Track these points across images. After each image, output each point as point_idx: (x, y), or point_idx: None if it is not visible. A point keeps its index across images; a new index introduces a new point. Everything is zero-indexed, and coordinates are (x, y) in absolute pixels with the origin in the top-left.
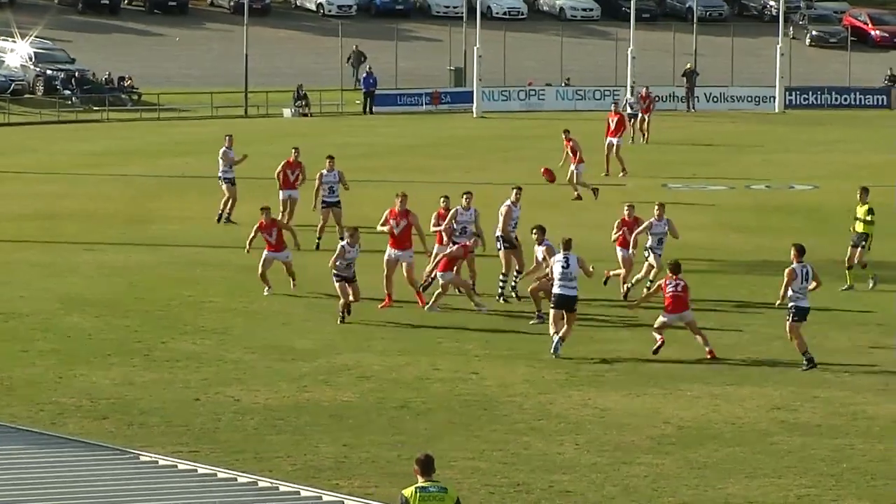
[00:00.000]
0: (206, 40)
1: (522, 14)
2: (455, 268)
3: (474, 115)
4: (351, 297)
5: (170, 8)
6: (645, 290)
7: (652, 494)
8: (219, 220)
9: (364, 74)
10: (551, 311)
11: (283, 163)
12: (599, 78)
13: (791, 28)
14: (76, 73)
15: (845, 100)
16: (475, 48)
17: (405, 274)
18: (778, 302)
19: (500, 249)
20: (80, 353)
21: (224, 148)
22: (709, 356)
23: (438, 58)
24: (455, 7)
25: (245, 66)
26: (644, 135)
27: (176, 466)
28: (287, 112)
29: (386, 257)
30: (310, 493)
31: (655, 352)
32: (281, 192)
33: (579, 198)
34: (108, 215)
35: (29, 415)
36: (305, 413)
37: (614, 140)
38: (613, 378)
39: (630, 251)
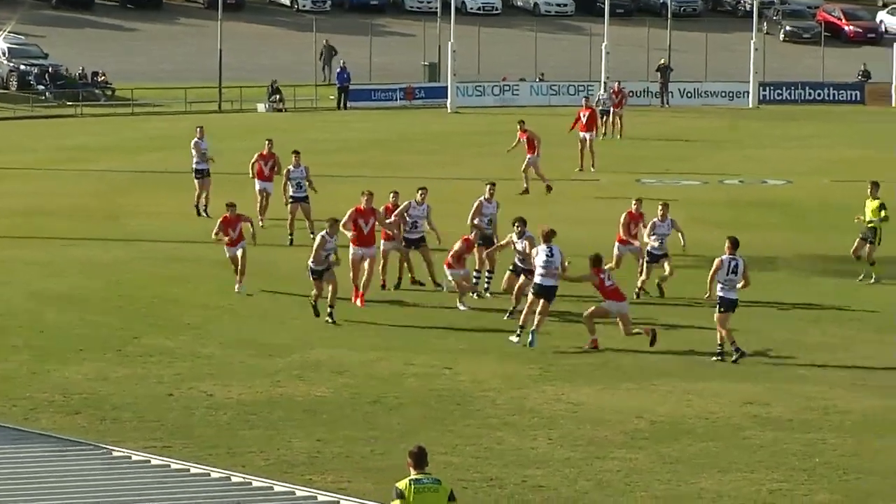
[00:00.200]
0: (179, 35)
1: (497, 9)
2: (462, 260)
3: (448, 111)
4: (330, 293)
5: (143, 3)
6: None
7: (625, 489)
8: (198, 213)
9: (338, 69)
10: (528, 298)
11: (256, 155)
12: (574, 73)
13: (765, 23)
14: (50, 69)
15: (819, 95)
16: (449, 43)
17: (366, 268)
18: (706, 294)
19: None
20: (53, 348)
21: (196, 139)
22: (591, 345)
23: (412, 53)
24: (429, 2)
25: (219, 61)
26: (617, 130)
27: (149, 461)
28: (261, 107)
29: (351, 256)
30: (283, 489)
31: (593, 347)
32: (256, 183)
33: (526, 191)
34: (82, 211)
35: (2, 410)
36: (279, 408)
37: (587, 135)
38: (587, 373)
39: (636, 246)
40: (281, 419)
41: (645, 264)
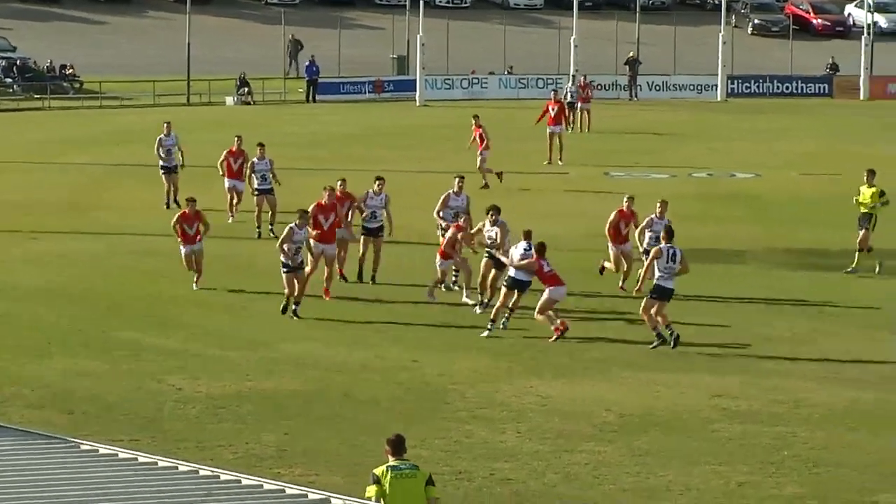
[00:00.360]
0: (148, 28)
1: (465, 2)
2: (457, 248)
3: (417, 104)
4: (298, 290)
5: None
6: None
7: (593, 482)
8: (168, 206)
9: (307, 63)
10: (502, 291)
11: (225, 152)
12: (542, 66)
13: (733, 17)
14: (18, 62)
15: (787, 88)
16: (418, 36)
17: (326, 264)
18: (639, 284)
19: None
20: (22, 342)
21: (161, 135)
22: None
23: (381, 46)
24: None
25: (187, 55)
26: (584, 123)
27: (117, 455)
28: (230, 100)
29: (313, 251)
30: (251, 482)
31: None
32: (226, 181)
33: (486, 186)
34: (50, 204)
35: None
36: (247, 402)
37: (557, 128)
38: (556, 366)
39: (628, 246)
40: (249, 413)
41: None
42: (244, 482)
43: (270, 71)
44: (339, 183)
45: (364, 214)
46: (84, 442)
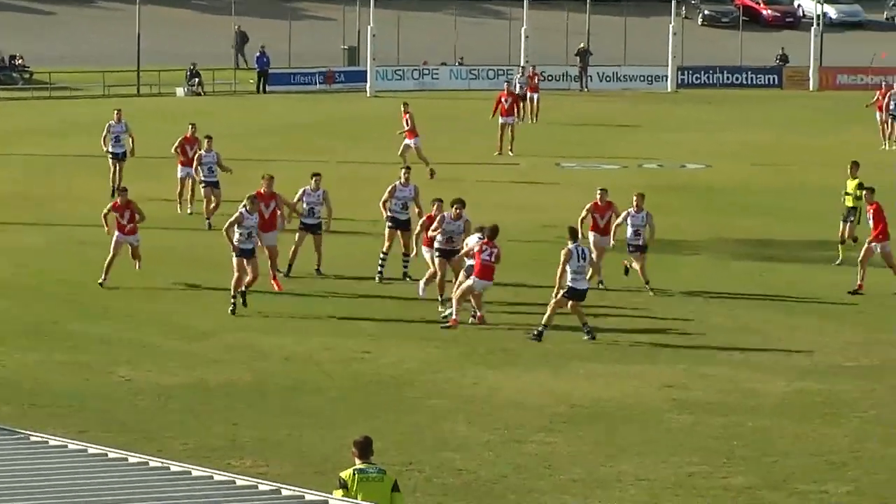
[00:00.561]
0: (98, 19)
1: None
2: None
3: (368, 95)
4: (249, 276)
5: None
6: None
7: (544, 472)
8: (113, 195)
9: (257, 54)
10: (461, 276)
11: (179, 139)
12: (493, 57)
13: (683, 8)
14: None
15: (737, 79)
16: (369, 27)
17: (269, 255)
18: (556, 287)
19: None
20: None
21: (111, 122)
22: (472, 320)
23: (332, 37)
24: None
25: (137, 45)
26: (533, 114)
27: (66, 447)
28: (180, 91)
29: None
30: (201, 473)
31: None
32: (179, 169)
33: (432, 172)
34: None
35: None
36: (197, 393)
37: (510, 119)
38: (506, 357)
39: (609, 240)
40: (199, 404)
41: (632, 256)
42: (194, 473)
43: (221, 62)
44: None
45: (302, 210)
46: (33, 433)
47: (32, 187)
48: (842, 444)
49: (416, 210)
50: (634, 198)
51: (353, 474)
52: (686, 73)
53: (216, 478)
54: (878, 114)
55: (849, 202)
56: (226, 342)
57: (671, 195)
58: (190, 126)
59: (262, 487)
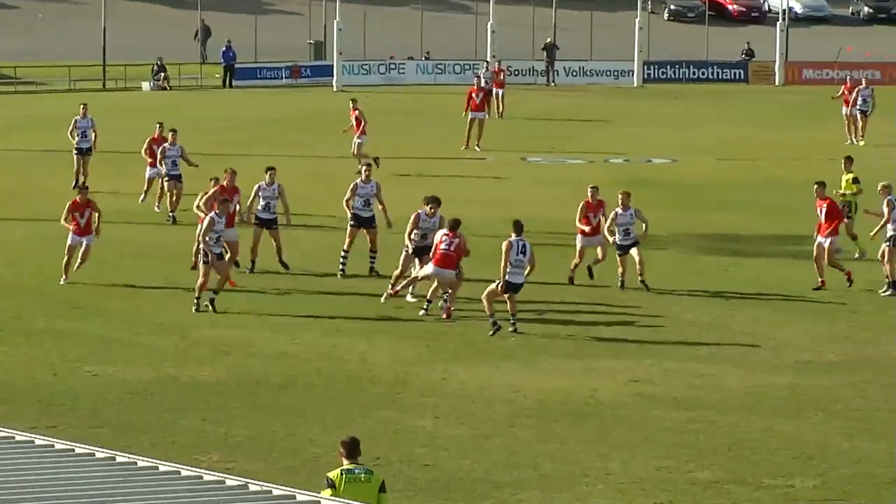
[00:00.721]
0: (64, 13)
1: None
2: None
3: (334, 89)
4: (218, 280)
5: None
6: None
7: (512, 467)
8: (75, 186)
9: (223, 48)
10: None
11: (147, 139)
12: (460, 52)
13: (649, 2)
14: None
15: (703, 74)
16: (335, 21)
17: (229, 250)
18: (499, 281)
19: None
20: None
21: (77, 117)
22: (444, 316)
23: (298, 31)
24: None
25: (103, 39)
26: (498, 110)
27: (33, 442)
28: (146, 85)
29: None
30: (168, 468)
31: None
32: (148, 169)
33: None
34: None
35: None
36: (164, 388)
37: (480, 115)
38: (473, 352)
39: (599, 238)
40: (166, 399)
41: (617, 257)
42: (161, 468)
43: (187, 56)
44: (223, 175)
45: (259, 205)
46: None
47: None
48: (808, 438)
49: (380, 206)
50: (620, 196)
51: (341, 475)
52: (652, 67)
53: (184, 473)
54: (843, 108)
55: (845, 197)
56: (192, 338)
57: (638, 190)
58: (157, 125)
59: (229, 483)
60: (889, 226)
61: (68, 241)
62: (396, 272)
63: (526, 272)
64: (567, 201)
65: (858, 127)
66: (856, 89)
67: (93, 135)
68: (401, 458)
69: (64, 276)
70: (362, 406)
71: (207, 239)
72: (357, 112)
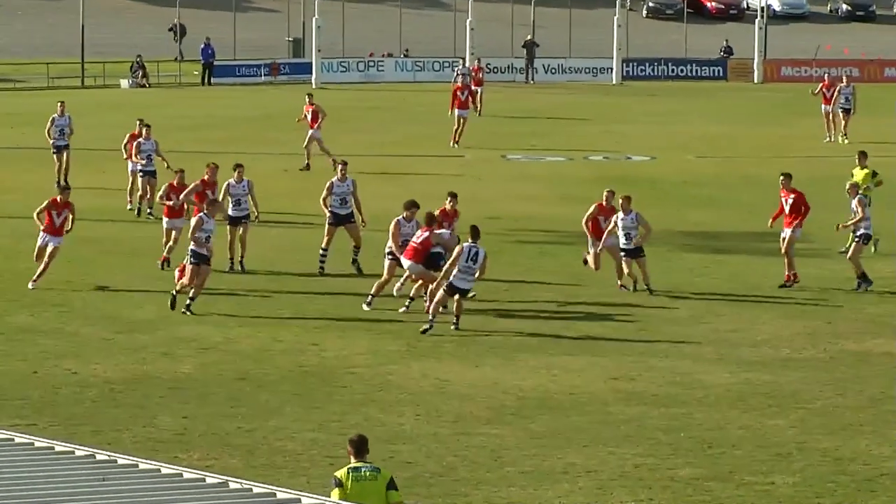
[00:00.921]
0: (42, 10)
1: None
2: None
3: (313, 87)
4: (197, 285)
5: None
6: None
7: (492, 464)
8: (58, 184)
9: (202, 45)
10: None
11: (128, 135)
12: (439, 49)
13: (628, 0)
14: None
15: (682, 71)
16: (314, 19)
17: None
18: (440, 279)
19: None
20: None
21: (54, 115)
22: (403, 310)
23: (277, 29)
24: None
25: (81, 37)
26: (476, 108)
27: (13, 440)
28: (125, 83)
29: (165, 226)
30: (148, 466)
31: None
32: (129, 164)
33: (308, 167)
34: None
35: None
36: (144, 385)
37: (465, 112)
38: (453, 349)
39: (599, 245)
40: (146, 396)
41: (623, 262)
42: (141, 466)
43: (165, 53)
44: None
45: (228, 203)
46: None
47: None
48: (787, 435)
49: (356, 205)
50: (621, 200)
51: (348, 473)
52: (631, 65)
53: (164, 471)
54: (822, 106)
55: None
56: (172, 335)
57: (617, 187)
58: (138, 122)
59: (209, 480)
60: (862, 223)
61: (38, 241)
62: (381, 280)
63: (475, 277)
64: (546, 198)
65: (840, 125)
66: (837, 87)
67: (69, 131)
68: (381, 456)
69: (33, 281)
70: (343, 404)
71: (197, 237)
72: (313, 107)
